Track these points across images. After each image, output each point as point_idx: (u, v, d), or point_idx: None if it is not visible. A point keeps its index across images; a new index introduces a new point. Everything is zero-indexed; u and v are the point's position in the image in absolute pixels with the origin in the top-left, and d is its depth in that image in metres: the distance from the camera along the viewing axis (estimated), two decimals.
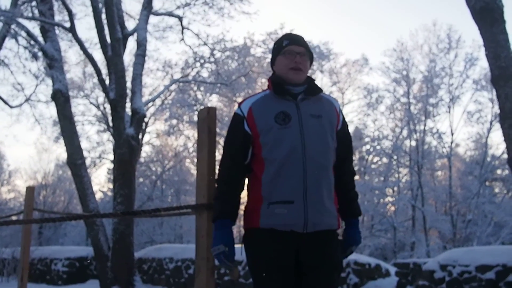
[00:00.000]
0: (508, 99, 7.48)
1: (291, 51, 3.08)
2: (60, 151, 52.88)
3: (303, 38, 3.20)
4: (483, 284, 8.91)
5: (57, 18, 15.31)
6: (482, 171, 24.02)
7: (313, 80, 3.15)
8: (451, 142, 25.83)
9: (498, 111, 8.14)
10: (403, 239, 26.54)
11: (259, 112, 3.00)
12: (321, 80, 26.24)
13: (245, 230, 3.11)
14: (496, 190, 28.64)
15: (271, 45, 24.55)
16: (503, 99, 7.57)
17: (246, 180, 3.13)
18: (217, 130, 25.23)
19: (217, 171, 3.19)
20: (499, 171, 25.64)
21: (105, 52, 13.38)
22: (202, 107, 22.81)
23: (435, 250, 23.06)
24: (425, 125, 25.76)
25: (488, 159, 24.61)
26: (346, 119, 3.47)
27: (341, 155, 3.10)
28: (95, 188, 33.80)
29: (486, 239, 23.42)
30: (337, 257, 3.02)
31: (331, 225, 2.95)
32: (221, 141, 27.27)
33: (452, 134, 25.68)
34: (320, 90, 3.12)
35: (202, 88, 21.64)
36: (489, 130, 24.10)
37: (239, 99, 25.05)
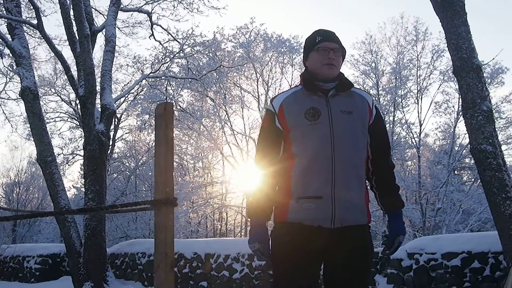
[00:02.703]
0: (470, 89, 7.62)
1: (325, 47, 3.06)
2: (33, 149, 52.37)
3: (335, 33, 3.16)
4: (449, 271, 9.14)
5: (26, 15, 15.27)
6: (450, 160, 24.42)
7: (344, 76, 3.15)
8: (420, 133, 26.20)
9: None
10: (375, 229, 26.86)
11: (290, 108, 3.02)
12: (292, 74, 26.42)
13: (274, 224, 3.12)
14: (464, 178, 29.15)
15: (241, 39, 24.67)
16: (464, 89, 7.71)
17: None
18: (189, 124, 25.35)
19: (254, 164, 3.24)
20: (467, 160, 26.05)
21: (73, 49, 13.36)
22: (173, 102, 22.83)
23: (406, 238, 23.39)
24: (394, 116, 26.06)
25: (457, 148, 25.00)
26: None
27: (376, 150, 3.11)
28: (69, 184, 33.68)
29: (455, 226, 23.85)
30: (365, 252, 3.00)
31: (359, 220, 2.96)
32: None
33: (421, 125, 26.03)
34: (351, 85, 3.11)
35: (173, 83, 21.65)
36: (456, 120, 24.49)
37: (211, 94, 25.14)
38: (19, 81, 13.64)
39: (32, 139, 13.79)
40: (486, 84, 23.68)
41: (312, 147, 2.93)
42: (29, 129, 14.31)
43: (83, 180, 16.18)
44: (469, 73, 7.66)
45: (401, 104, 26.07)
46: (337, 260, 2.93)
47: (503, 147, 25.24)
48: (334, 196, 2.88)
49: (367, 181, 3.14)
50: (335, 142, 2.90)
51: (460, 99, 7.93)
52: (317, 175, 2.91)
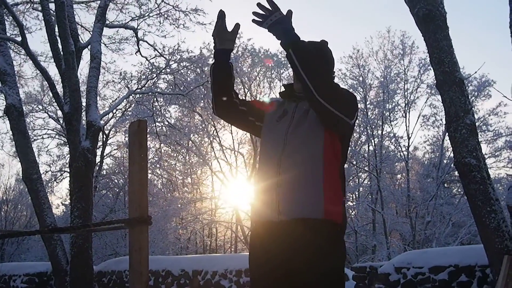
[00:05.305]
0: (453, 103, 7.62)
1: None
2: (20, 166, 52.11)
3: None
4: (436, 285, 9.13)
5: (10, 32, 15.23)
6: (439, 173, 24.45)
7: None
8: (408, 146, 26.24)
9: None
10: (365, 243, 26.86)
11: (271, 112, 3.17)
12: (280, 89, 26.42)
13: None
14: (454, 191, 29.17)
15: None
16: (448, 103, 7.71)
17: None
18: (178, 139, 25.28)
19: None
20: (456, 173, 26.11)
21: (59, 66, 13.31)
22: (161, 118, 22.74)
23: (396, 252, 23.35)
24: (382, 130, 26.11)
25: (445, 161, 25.03)
26: None
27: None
28: (58, 201, 33.42)
29: (445, 239, 23.84)
30: (314, 249, 2.76)
31: (309, 214, 2.79)
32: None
33: (409, 138, 26.07)
34: None
35: (161, 99, 21.60)
36: (444, 133, 24.41)
37: (199, 109, 25.11)
38: (4, 98, 13.58)
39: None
40: (473, 97, 23.55)
41: (269, 143, 3.03)
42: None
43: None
44: (451, 86, 7.65)
45: (389, 118, 26.12)
46: (284, 257, 2.80)
47: (491, 160, 25.37)
48: (279, 187, 2.86)
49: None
50: (288, 138, 2.94)
51: (444, 112, 7.92)
52: (266, 168, 2.97)
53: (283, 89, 3.29)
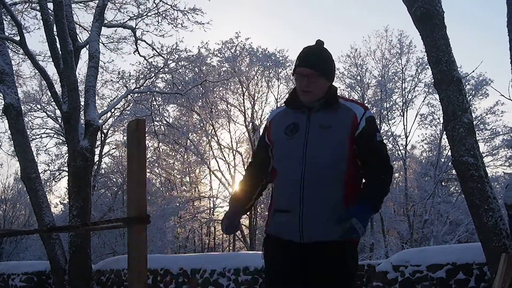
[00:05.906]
0: (450, 102, 7.64)
1: (300, 73, 3.02)
2: (19, 165, 51.97)
3: (315, 55, 3.09)
4: (434, 283, 9.14)
5: (9, 31, 15.21)
6: (436, 172, 24.48)
7: (333, 90, 3.09)
8: (406, 145, 26.28)
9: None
10: (363, 241, 26.85)
11: (276, 123, 3.14)
12: (278, 88, 26.49)
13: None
14: (451, 189, 29.20)
15: (227, 54, 24.73)
16: (445, 102, 7.72)
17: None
18: (176, 138, 25.27)
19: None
20: (453, 171, 26.12)
21: (57, 65, 13.29)
22: (159, 117, 22.73)
23: (394, 250, 23.37)
24: (380, 128, 26.11)
25: (443, 160, 25.06)
26: None
27: (363, 161, 2.99)
28: (56, 200, 33.37)
29: (443, 238, 23.85)
30: (338, 270, 2.88)
31: (332, 236, 2.86)
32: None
33: (407, 137, 26.12)
34: (334, 101, 3.04)
35: (159, 98, 21.61)
36: (442, 132, 24.44)
37: (197, 108, 25.15)
38: (2, 98, 13.58)
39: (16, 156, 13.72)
40: (470, 96, 23.63)
41: (285, 160, 2.98)
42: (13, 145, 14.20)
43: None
44: (449, 85, 7.67)
45: (386, 116, 26.19)
46: (308, 277, 2.89)
47: (489, 158, 25.42)
48: (302, 210, 2.86)
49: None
50: (307, 156, 2.90)
51: (442, 111, 7.94)
52: (287, 189, 2.95)
53: (286, 95, 3.29)
